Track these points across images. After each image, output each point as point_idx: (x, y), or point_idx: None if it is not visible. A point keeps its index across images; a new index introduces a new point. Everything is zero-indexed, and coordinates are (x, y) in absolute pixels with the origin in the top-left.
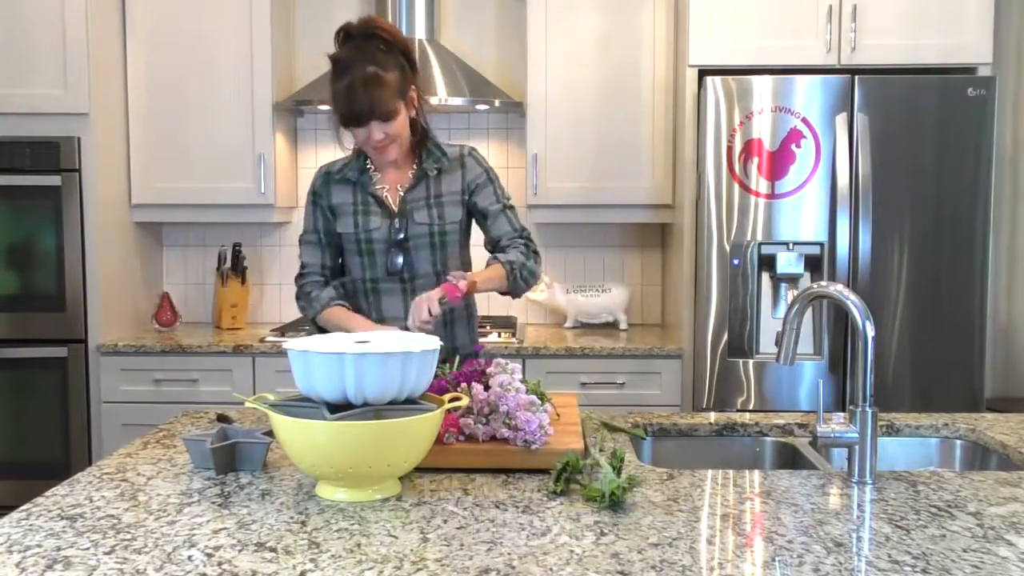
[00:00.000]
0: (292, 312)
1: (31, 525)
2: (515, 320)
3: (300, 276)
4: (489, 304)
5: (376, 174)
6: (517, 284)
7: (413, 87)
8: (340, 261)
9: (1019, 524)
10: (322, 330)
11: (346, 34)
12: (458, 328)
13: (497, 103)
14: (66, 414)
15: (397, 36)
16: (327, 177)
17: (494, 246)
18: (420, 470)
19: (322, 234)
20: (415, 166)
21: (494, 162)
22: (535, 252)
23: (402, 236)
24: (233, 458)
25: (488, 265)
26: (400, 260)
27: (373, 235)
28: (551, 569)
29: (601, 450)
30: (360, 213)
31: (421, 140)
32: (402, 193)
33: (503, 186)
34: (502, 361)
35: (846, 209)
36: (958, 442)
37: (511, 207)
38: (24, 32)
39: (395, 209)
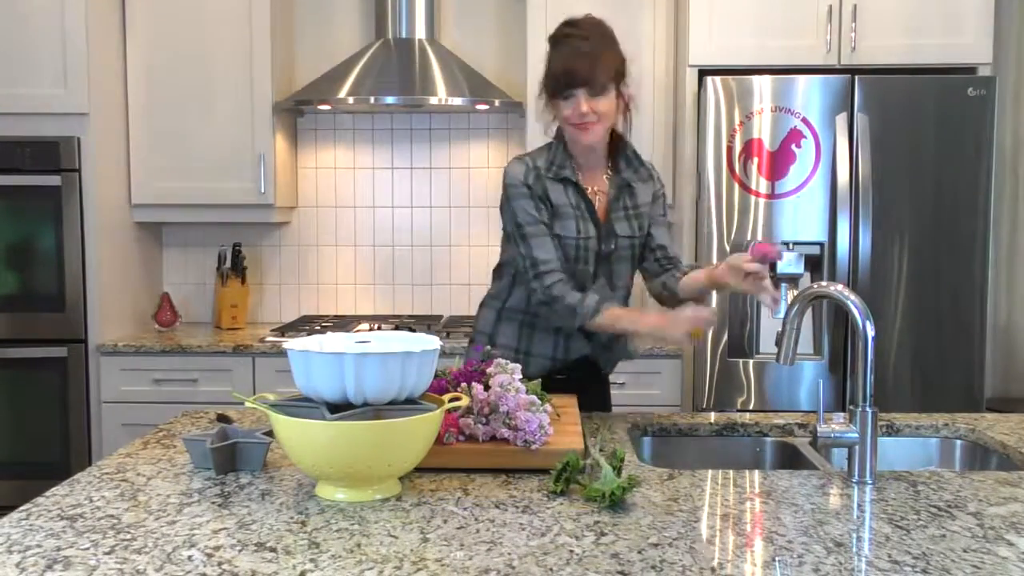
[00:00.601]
0: (292, 312)
1: (31, 525)
2: None
3: (539, 276)
4: None
5: (578, 175)
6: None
7: (627, 86)
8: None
9: (1019, 524)
10: (589, 336)
11: (568, 23)
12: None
13: (497, 103)
14: (66, 414)
15: (614, 37)
16: (537, 172)
17: (650, 252)
18: (420, 470)
19: (548, 224)
20: (609, 171)
21: (494, 162)
22: None
23: (611, 247)
24: (233, 458)
25: (686, 273)
26: (603, 272)
27: (589, 243)
28: (551, 569)
29: (601, 450)
30: (580, 218)
31: (618, 146)
32: (604, 201)
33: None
34: (502, 361)
35: (846, 209)
36: (958, 442)
37: (671, 224)
38: (24, 32)
39: (601, 216)
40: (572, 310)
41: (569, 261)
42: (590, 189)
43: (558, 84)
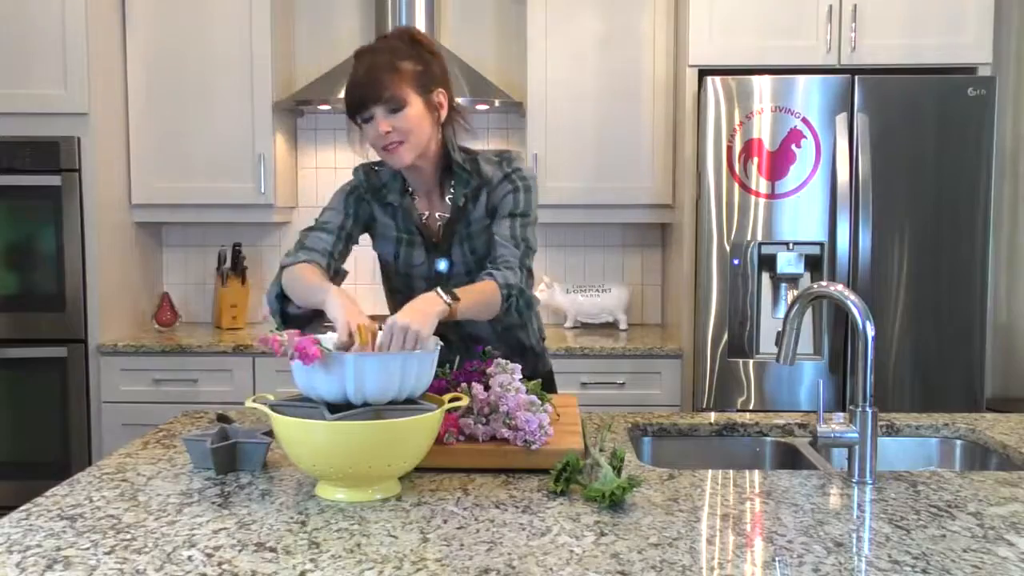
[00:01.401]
0: None
1: (31, 525)
2: None
3: (297, 251)
4: None
5: (416, 198)
6: (510, 313)
7: (441, 91)
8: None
9: (1019, 524)
10: (283, 301)
11: (380, 36)
12: (512, 333)
13: (497, 103)
14: (66, 414)
15: (428, 41)
16: (368, 189)
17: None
18: (420, 470)
19: (350, 231)
20: (451, 193)
21: None
22: (529, 271)
23: (443, 273)
24: (233, 458)
25: (480, 280)
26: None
27: (414, 271)
28: (551, 569)
29: (601, 450)
30: (404, 244)
31: (447, 161)
32: (440, 225)
33: (530, 200)
34: (502, 361)
35: (846, 209)
36: (958, 442)
37: (523, 215)
38: (24, 32)
39: (434, 242)
40: (281, 269)
41: (397, 286)
42: (429, 213)
43: (350, 103)
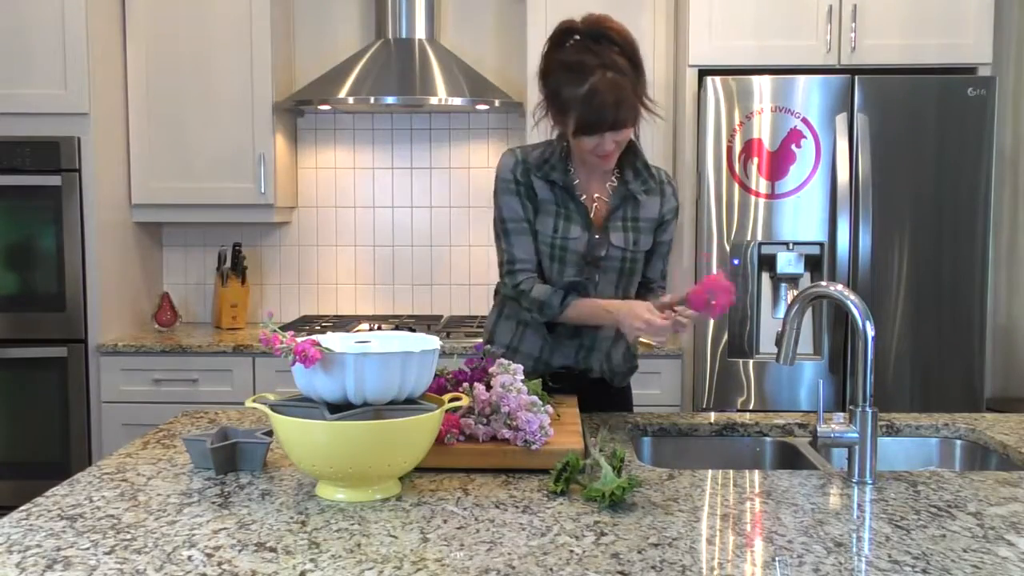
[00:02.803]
0: (292, 312)
1: (31, 525)
2: None
3: (511, 273)
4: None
5: (575, 178)
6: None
7: (641, 92)
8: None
9: (1019, 524)
10: (551, 328)
11: (568, 31)
12: (614, 347)
13: (497, 103)
14: (66, 414)
15: (629, 37)
16: (526, 167)
17: (642, 280)
18: (420, 470)
19: (529, 221)
20: (615, 179)
21: (494, 162)
22: None
23: (600, 254)
24: (233, 458)
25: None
26: (588, 278)
27: (570, 244)
28: (551, 569)
29: (601, 450)
30: (562, 217)
31: (628, 156)
32: (606, 207)
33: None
34: (504, 361)
35: (846, 209)
36: (958, 442)
37: (670, 250)
38: (24, 32)
39: (597, 224)
40: (540, 303)
41: (544, 259)
42: (587, 194)
43: (587, 127)
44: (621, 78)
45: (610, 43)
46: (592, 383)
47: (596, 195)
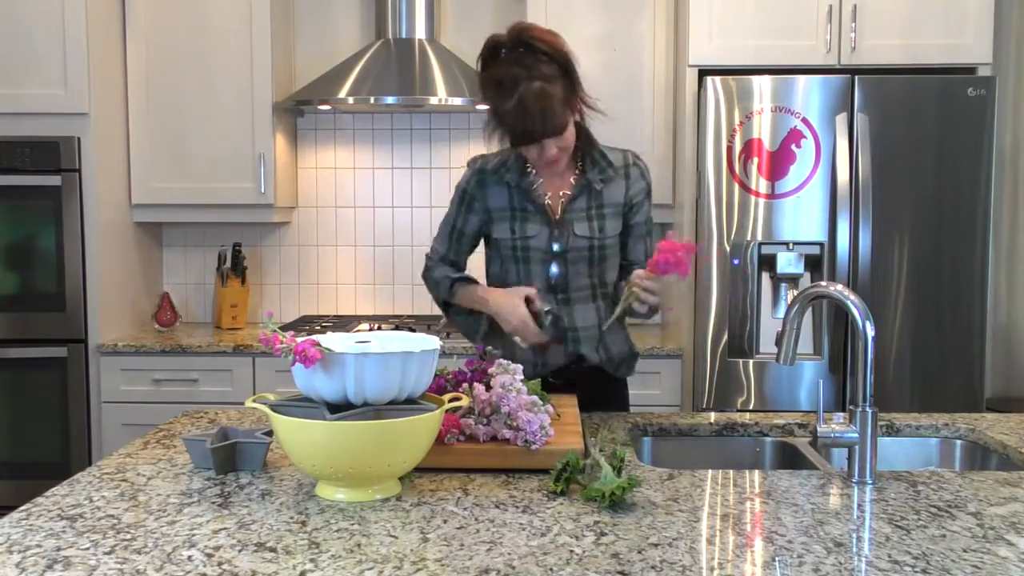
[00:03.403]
0: (292, 312)
1: (31, 525)
2: None
3: (427, 263)
4: None
5: (536, 177)
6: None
7: (575, 92)
8: (465, 260)
9: (1019, 524)
10: (451, 313)
11: (496, 45)
12: (609, 337)
13: None
14: (66, 414)
15: (554, 43)
16: (481, 176)
17: (622, 267)
18: (420, 470)
19: (461, 229)
20: (576, 172)
21: None
22: None
23: (560, 247)
24: (233, 458)
25: (606, 286)
26: (556, 271)
27: (530, 243)
28: (551, 569)
29: (601, 450)
30: (518, 219)
31: (584, 146)
32: (563, 201)
33: (651, 203)
34: (504, 362)
35: (846, 209)
36: (958, 442)
37: (650, 233)
38: (24, 32)
39: (556, 217)
40: (436, 283)
41: (509, 264)
42: (551, 192)
43: (519, 139)
44: (548, 86)
45: (535, 52)
46: (591, 373)
47: (561, 192)
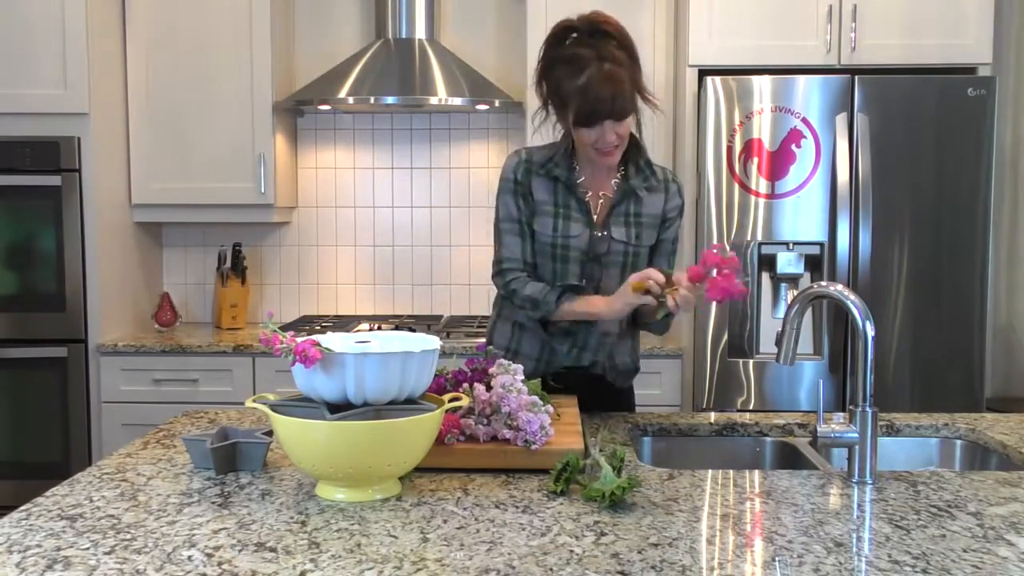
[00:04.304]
0: (292, 312)
1: (31, 525)
2: None
3: (500, 273)
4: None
5: (580, 176)
6: (662, 329)
7: (638, 86)
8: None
9: (1019, 524)
10: (546, 326)
11: (566, 29)
12: (618, 347)
13: (497, 103)
14: (66, 414)
15: (623, 32)
16: (528, 166)
17: None
18: (420, 470)
19: (525, 224)
20: (618, 177)
21: (494, 162)
22: None
23: (603, 249)
24: (233, 458)
25: None
26: (592, 273)
27: (571, 242)
28: (551, 569)
29: (601, 450)
30: (561, 216)
31: (632, 152)
32: (603, 203)
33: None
34: (504, 362)
35: (846, 209)
36: (958, 442)
37: (675, 252)
38: (24, 32)
39: (598, 219)
40: (534, 300)
41: (546, 260)
42: (592, 192)
43: (585, 117)
44: (618, 69)
45: (607, 37)
46: (592, 382)
47: (601, 192)
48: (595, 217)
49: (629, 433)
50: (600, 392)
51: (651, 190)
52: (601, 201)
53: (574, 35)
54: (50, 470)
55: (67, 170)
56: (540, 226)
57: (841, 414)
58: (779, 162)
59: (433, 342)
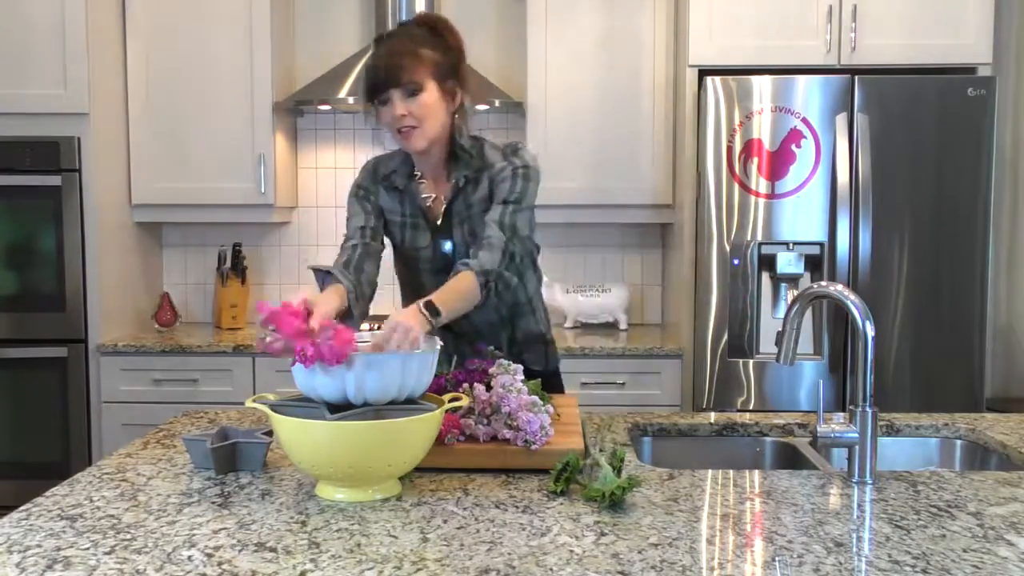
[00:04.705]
0: None
1: (31, 525)
2: None
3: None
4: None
5: (423, 182)
6: (489, 298)
7: (453, 82)
8: (373, 260)
9: (1019, 524)
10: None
11: (397, 27)
12: (520, 321)
13: (497, 103)
14: (66, 414)
15: (449, 27)
16: (374, 175)
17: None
18: (420, 470)
19: (362, 226)
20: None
21: None
22: (512, 256)
23: (443, 260)
24: (233, 458)
25: (457, 272)
26: (443, 281)
27: (420, 254)
28: (551, 569)
29: (601, 450)
30: (408, 227)
31: (452, 145)
32: (439, 208)
33: (527, 188)
34: (504, 362)
35: (846, 209)
36: (958, 442)
37: (516, 201)
38: (24, 32)
39: (437, 225)
40: (323, 275)
41: (408, 267)
42: (432, 197)
43: (369, 86)
44: (411, 44)
45: (427, 27)
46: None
47: (443, 196)
48: (437, 222)
49: (629, 433)
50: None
51: (479, 177)
52: (433, 205)
53: (396, 29)
54: (50, 470)
55: (67, 170)
56: (391, 236)
57: (841, 414)
58: (779, 162)
59: (433, 342)
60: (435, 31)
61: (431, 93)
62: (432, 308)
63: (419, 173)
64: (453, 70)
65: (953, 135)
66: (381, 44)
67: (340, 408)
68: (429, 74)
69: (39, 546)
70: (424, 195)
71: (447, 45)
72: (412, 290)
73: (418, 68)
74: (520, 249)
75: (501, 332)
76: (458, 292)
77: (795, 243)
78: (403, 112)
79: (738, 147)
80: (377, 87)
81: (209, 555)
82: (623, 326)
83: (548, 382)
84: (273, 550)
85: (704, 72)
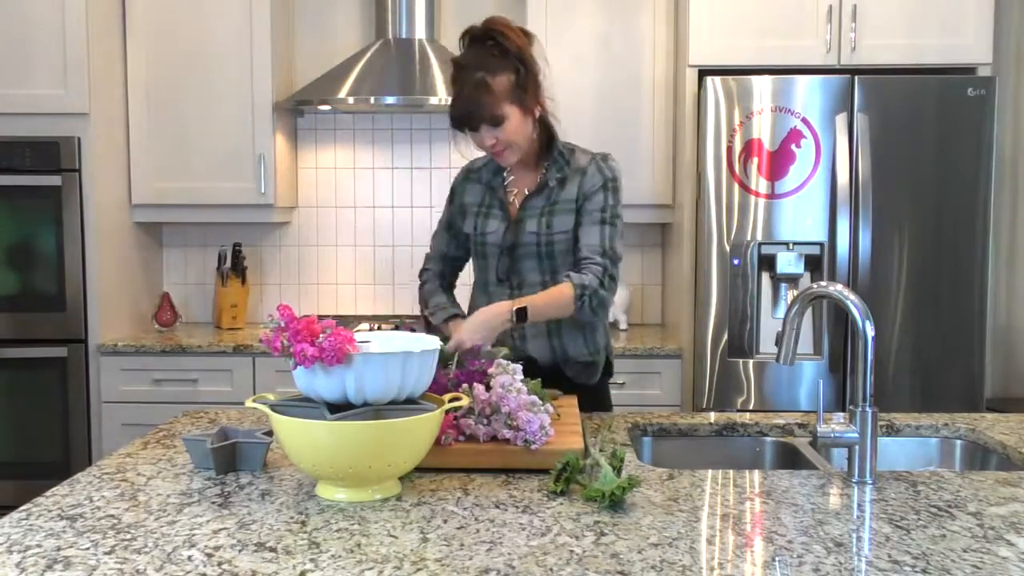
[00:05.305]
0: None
1: (31, 525)
2: None
3: (424, 260)
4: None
5: (510, 176)
6: (583, 312)
7: (532, 95)
8: (463, 254)
9: (1019, 524)
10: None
11: (467, 37)
12: (567, 338)
13: None
14: (66, 414)
15: (513, 37)
16: (467, 174)
17: (575, 255)
18: (420, 470)
19: (448, 228)
20: (542, 173)
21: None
22: (611, 278)
23: (515, 242)
24: (233, 458)
25: (561, 281)
26: (508, 266)
27: (488, 238)
28: (551, 569)
29: (601, 450)
30: (481, 215)
31: (549, 145)
32: (521, 199)
33: (618, 201)
34: (504, 362)
35: (846, 209)
36: (958, 442)
37: (611, 223)
38: (24, 32)
39: (514, 214)
40: (424, 302)
41: (478, 257)
42: (518, 190)
43: (454, 123)
44: (489, 78)
45: (494, 45)
46: (554, 376)
47: (527, 190)
48: (513, 213)
49: (629, 433)
50: (568, 391)
51: (566, 178)
52: (516, 198)
53: (467, 40)
54: (50, 470)
55: (67, 170)
56: (467, 227)
57: (841, 414)
58: (779, 162)
59: (433, 342)
60: (503, 48)
61: (513, 119)
62: (521, 312)
63: (508, 171)
64: (529, 84)
65: (953, 135)
66: (459, 73)
67: (340, 408)
68: (507, 101)
69: (39, 546)
70: (507, 188)
71: (516, 56)
72: (476, 274)
73: (497, 102)
74: (618, 273)
75: (566, 337)
76: (552, 298)
77: (795, 243)
78: (492, 141)
79: (738, 147)
80: (462, 123)
81: (209, 555)
82: (623, 326)
83: (592, 395)
84: (273, 550)
85: (704, 72)
